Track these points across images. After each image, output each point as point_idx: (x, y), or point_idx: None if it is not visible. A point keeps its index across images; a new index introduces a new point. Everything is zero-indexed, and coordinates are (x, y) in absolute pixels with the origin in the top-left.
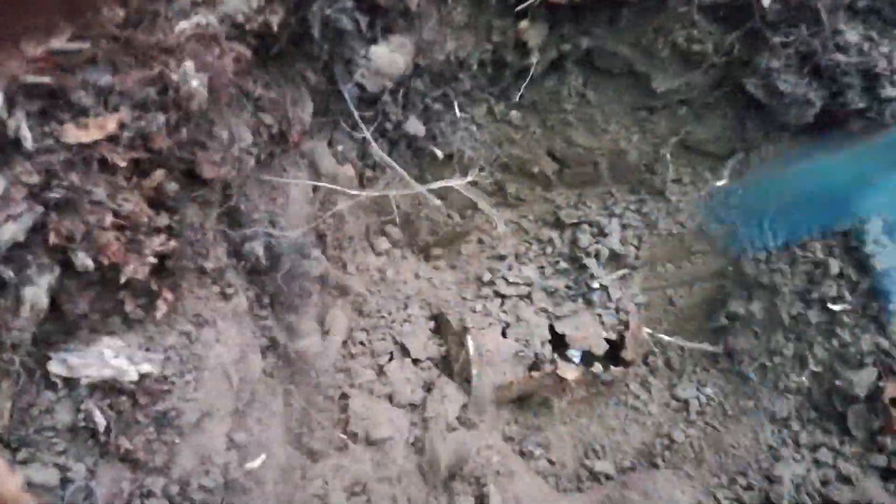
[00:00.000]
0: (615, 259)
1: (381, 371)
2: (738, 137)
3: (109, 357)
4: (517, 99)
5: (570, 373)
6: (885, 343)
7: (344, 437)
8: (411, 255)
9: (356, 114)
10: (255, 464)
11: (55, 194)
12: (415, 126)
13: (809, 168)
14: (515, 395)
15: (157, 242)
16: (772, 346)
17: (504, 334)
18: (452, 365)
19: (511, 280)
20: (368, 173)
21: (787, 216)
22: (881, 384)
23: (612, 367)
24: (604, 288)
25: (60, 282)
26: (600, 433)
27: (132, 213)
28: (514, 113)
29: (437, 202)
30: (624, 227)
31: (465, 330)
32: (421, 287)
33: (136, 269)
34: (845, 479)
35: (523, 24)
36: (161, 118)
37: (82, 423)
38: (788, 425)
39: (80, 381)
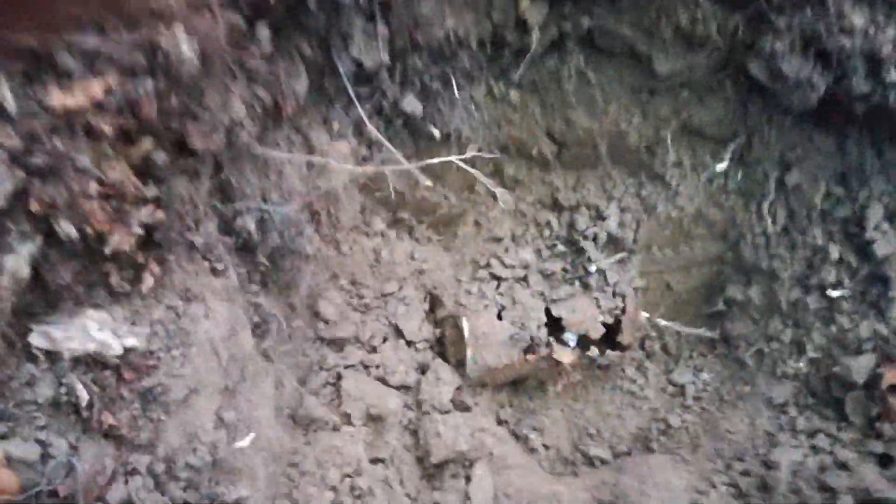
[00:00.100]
0: (613, 243)
1: (374, 352)
2: (740, 121)
3: (93, 330)
4: (517, 78)
5: (566, 356)
6: (883, 330)
7: (336, 417)
8: (406, 236)
9: (351, 90)
10: (244, 443)
11: (37, 160)
12: (412, 104)
13: None
14: (510, 378)
15: (143, 213)
16: (769, 331)
17: (500, 317)
18: (447, 347)
19: (507, 262)
20: (364, 151)
21: None
22: (880, 371)
23: (608, 350)
24: (601, 271)
25: (43, 251)
26: (595, 417)
27: (118, 181)
28: (513, 93)
29: (428, 182)
30: (622, 210)
31: (460, 312)
32: (416, 268)
33: (121, 240)
34: (843, 466)
35: (524, 1)
36: (149, 84)
37: (64, 398)
38: (786, 411)
39: (63, 354)
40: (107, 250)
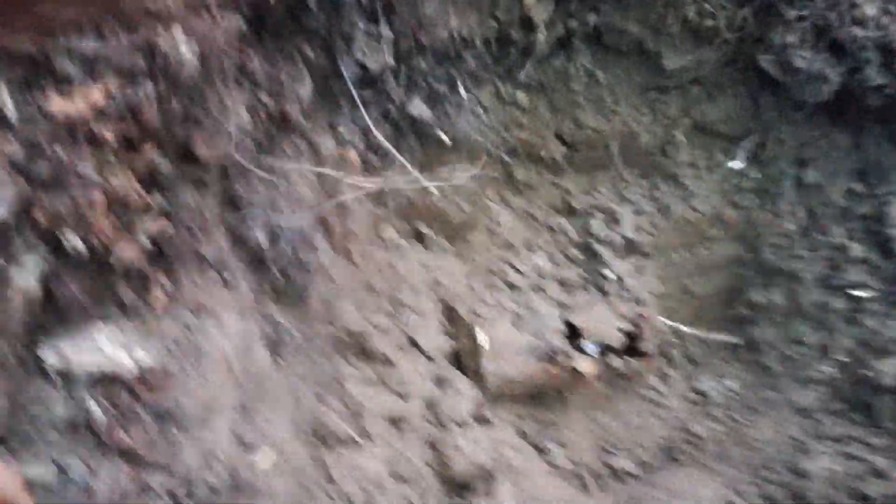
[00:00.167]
0: (629, 246)
1: (391, 365)
2: (753, 117)
3: (104, 346)
4: (524, 78)
5: (587, 366)
6: None
7: (355, 433)
8: (419, 245)
9: (356, 94)
10: (262, 460)
11: (40, 169)
12: (419, 108)
13: None
14: (530, 389)
15: (150, 224)
16: (793, 335)
17: (516, 326)
18: (464, 359)
19: (522, 269)
20: (373, 158)
21: None
22: None
23: (630, 359)
24: (618, 277)
25: (51, 265)
26: (619, 428)
27: (122, 190)
28: (520, 94)
29: (440, 193)
30: (637, 213)
31: (476, 322)
32: (429, 278)
33: (128, 252)
34: (876, 473)
35: (530, 0)
36: (149, 87)
37: (80, 418)
38: (814, 417)
39: (76, 372)
40: (114, 263)
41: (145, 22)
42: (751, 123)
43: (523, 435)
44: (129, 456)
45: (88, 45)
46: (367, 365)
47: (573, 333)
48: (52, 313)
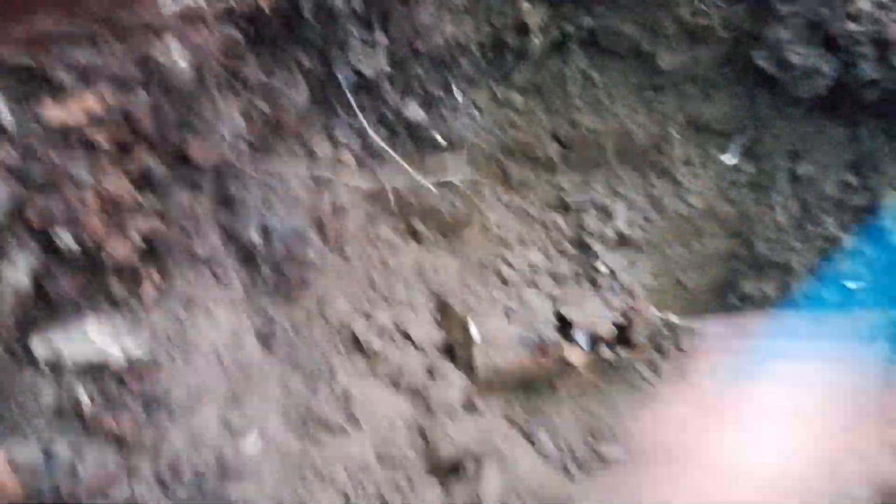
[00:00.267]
0: (622, 242)
1: (383, 357)
2: (748, 113)
3: (94, 337)
4: (520, 81)
5: (577, 357)
6: None
7: (344, 421)
8: (413, 242)
9: (352, 100)
10: (251, 447)
11: (35, 174)
12: (414, 112)
13: None
14: (520, 379)
15: (141, 221)
16: None
17: (508, 319)
18: (455, 350)
19: (515, 264)
20: (368, 160)
21: None
22: None
23: (620, 350)
24: (611, 271)
25: (43, 263)
26: (609, 417)
27: (114, 189)
28: (516, 96)
29: (435, 191)
30: (631, 208)
31: (468, 314)
32: (423, 273)
33: (120, 250)
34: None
35: (524, 4)
36: (144, 96)
37: (67, 404)
38: None
39: (65, 362)
40: (106, 260)
41: (139, 33)
42: (746, 119)
43: (512, 422)
44: (116, 440)
45: (83, 54)
46: (359, 356)
47: (564, 325)
48: (44, 308)
